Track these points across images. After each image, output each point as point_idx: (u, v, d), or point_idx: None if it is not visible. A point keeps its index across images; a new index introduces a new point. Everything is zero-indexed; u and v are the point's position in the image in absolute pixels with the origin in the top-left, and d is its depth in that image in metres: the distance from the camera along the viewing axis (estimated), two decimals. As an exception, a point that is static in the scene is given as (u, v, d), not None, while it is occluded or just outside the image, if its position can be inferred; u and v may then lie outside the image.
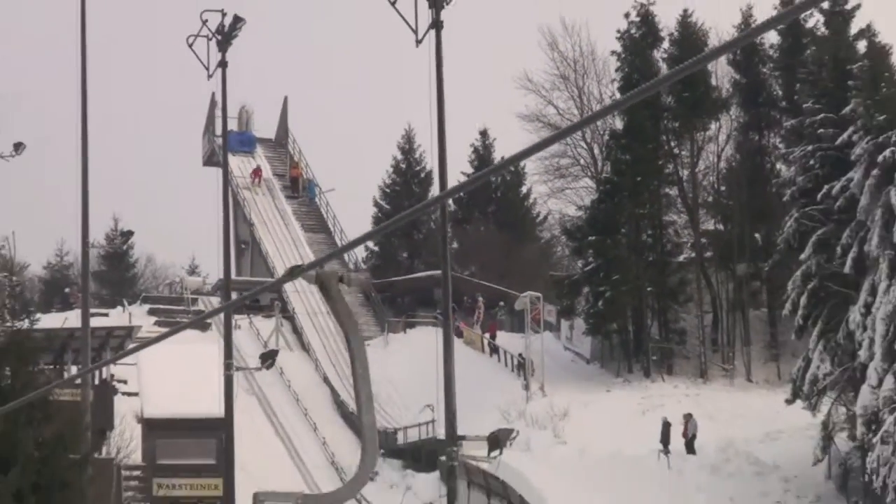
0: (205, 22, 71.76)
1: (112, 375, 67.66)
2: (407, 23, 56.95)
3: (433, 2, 56.07)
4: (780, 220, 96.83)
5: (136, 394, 69.57)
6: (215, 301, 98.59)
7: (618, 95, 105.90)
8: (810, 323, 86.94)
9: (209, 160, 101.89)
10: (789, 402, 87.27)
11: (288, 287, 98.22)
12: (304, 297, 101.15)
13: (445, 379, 57.99)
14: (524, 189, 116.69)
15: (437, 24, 56.39)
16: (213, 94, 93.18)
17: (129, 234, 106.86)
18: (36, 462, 37.56)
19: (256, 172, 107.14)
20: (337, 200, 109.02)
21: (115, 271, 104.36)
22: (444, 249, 67.06)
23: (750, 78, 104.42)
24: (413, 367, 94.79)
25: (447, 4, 56.16)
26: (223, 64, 70.24)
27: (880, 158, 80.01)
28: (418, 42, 56.77)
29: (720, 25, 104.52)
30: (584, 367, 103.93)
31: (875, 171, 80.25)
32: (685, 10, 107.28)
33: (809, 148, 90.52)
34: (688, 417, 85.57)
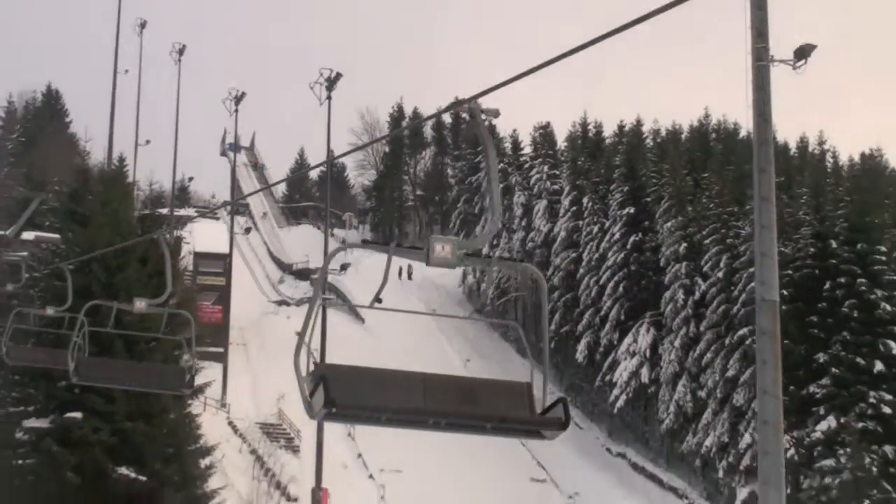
0: (229, 94, 71.72)
1: (181, 237, 67.59)
2: (317, 96, 56.10)
3: (328, 87, 56.70)
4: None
5: (188, 243, 69.60)
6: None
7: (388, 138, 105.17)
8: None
9: (222, 154, 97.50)
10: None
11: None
12: (253, 202, 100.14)
13: (325, 243, 59.88)
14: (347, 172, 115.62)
15: (330, 98, 56.37)
16: (225, 128, 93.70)
17: (191, 179, 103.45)
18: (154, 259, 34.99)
19: (256, 164, 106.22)
20: (272, 170, 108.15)
21: (181, 195, 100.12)
22: (327, 193, 68.91)
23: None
24: (301, 239, 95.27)
25: (334, 89, 56.84)
26: (237, 108, 70.76)
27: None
28: (321, 104, 56.65)
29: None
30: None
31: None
32: (415, 108, 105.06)
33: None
34: (409, 266, 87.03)
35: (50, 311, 18.13)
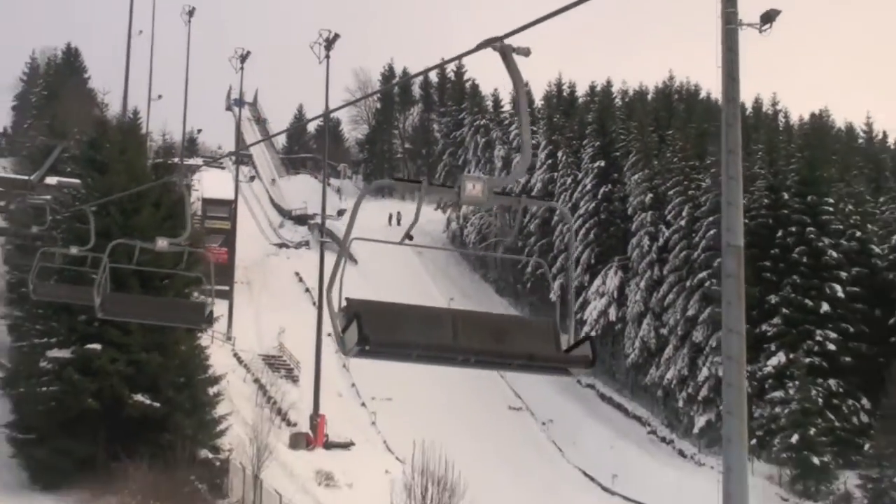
0: (235, 52, 70.54)
1: (190, 184, 66.65)
2: (316, 55, 55.90)
3: (327, 47, 55.82)
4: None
5: (197, 190, 68.72)
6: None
7: (377, 96, 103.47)
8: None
9: (227, 108, 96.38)
10: (436, 210, 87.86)
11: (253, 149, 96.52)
12: (256, 153, 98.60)
13: (323, 191, 59.29)
14: (341, 126, 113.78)
15: (328, 57, 55.74)
16: (231, 85, 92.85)
17: (199, 131, 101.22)
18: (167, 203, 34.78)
19: (258, 118, 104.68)
20: (273, 124, 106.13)
21: (190, 146, 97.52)
22: (325, 146, 67.91)
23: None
24: (299, 187, 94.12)
25: (332, 49, 55.95)
26: (242, 66, 69.67)
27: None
28: (320, 62, 55.90)
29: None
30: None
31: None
32: (404, 68, 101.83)
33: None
34: (398, 213, 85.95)
35: (73, 250, 17.57)
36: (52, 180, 30.51)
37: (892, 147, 76.54)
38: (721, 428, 52.15)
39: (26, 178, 25.00)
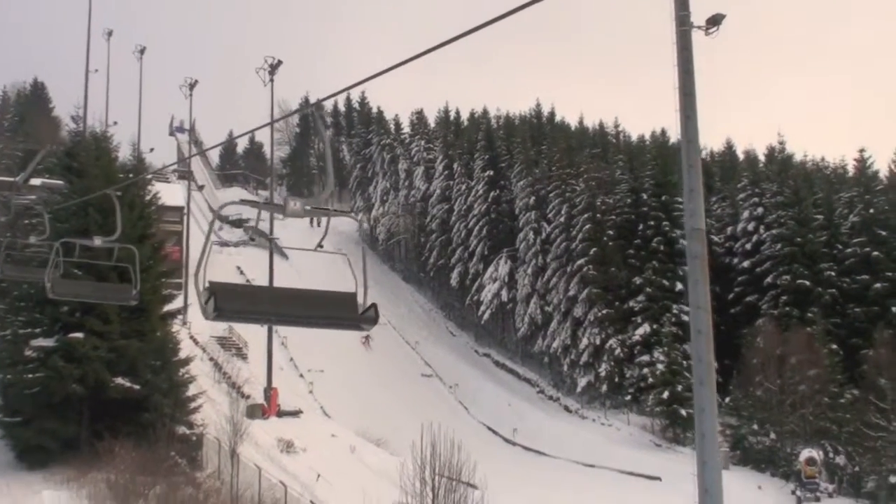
0: (185, 81, 64.59)
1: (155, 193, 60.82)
2: (261, 79, 47.18)
3: (271, 72, 49.54)
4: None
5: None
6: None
7: (297, 121, 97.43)
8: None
9: (170, 134, 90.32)
10: (354, 219, 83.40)
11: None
12: (195, 169, 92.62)
13: (270, 197, 54.88)
14: (264, 148, 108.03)
15: (272, 81, 49.84)
16: (172, 115, 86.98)
17: (151, 150, 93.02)
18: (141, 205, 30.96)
19: (196, 141, 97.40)
20: (207, 146, 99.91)
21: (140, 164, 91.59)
22: (272, 158, 63.01)
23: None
24: (233, 197, 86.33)
25: (276, 74, 50.25)
26: (191, 93, 63.86)
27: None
28: (265, 85, 50.46)
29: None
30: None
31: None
32: (317, 98, 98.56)
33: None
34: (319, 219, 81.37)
35: (97, 241, 13.10)
36: (36, 181, 25.98)
37: (714, 159, 75.62)
38: (599, 387, 48.93)
39: (12, 179, 20.55)
